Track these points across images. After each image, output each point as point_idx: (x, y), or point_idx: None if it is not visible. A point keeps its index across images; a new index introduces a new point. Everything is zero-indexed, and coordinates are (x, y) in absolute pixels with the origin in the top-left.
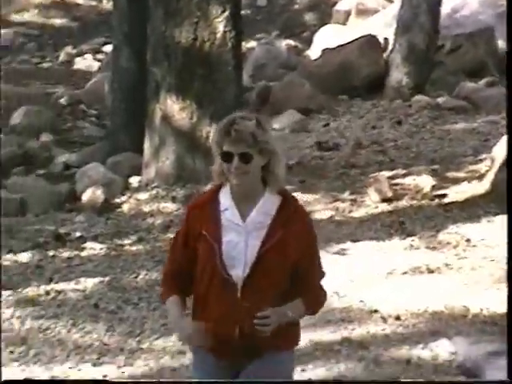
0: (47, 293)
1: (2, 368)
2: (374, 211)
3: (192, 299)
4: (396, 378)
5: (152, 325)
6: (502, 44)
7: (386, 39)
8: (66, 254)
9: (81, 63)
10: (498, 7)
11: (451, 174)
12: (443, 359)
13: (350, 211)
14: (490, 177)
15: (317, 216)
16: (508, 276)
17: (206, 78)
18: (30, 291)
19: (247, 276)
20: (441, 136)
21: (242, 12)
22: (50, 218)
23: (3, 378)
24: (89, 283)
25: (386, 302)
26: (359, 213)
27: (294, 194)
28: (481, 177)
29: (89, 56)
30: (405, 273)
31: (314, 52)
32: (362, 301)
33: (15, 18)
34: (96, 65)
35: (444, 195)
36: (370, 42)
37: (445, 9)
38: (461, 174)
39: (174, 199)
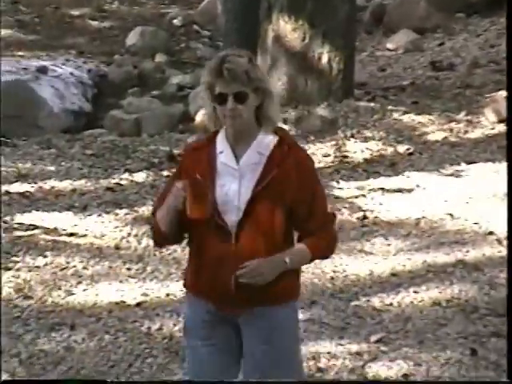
0: None
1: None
2: (491, 132)
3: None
4: None
5: None
6: None
7: None
8: None
9: None
10: None
11: None
12: None
13: (466, 132)
14: None
15: (430, 137)
16: (508, 276)
17: None
18: (146, 210)
19: (240, 220)
20: None
21: None
22: (164, 138)
23: (3, 378)
24: None
25: (501, 224)
26: (475, 134)
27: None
28: None
29: None
30: None
31: None
32: (476, 223)
33: None
34: None
35: None
36: None
37: None
38: None
39: (285, 121)
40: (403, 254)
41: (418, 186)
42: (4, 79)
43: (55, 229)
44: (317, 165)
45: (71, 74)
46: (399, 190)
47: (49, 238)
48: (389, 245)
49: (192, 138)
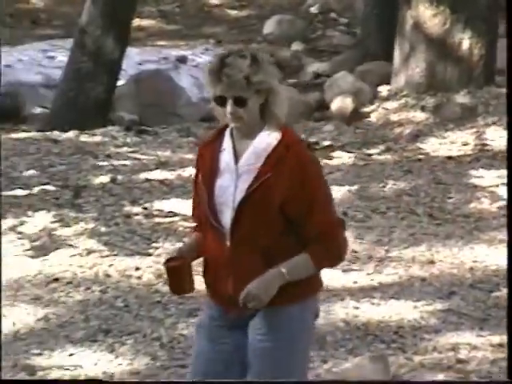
0: None
1: None
2: None
3: None
4: None
5: (400, 234)
6: None
7: None
8: None
9: None
10: None
11: None
12: None
13: None
14: None
15: None
16: (508, 276)
17: None
18: None
19: (233, 222)
20: None
21: None
22: (300, 126)
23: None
24: (337, 191)
25: None
26: None
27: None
28: None
29: None
30: None
31: None
32: None
33: None
34: None
35: None
36: None
37: None
38: None
39: (423, 108)
40: None
41: None
42: (145, 68)
43: None
44: (456, 153)
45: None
46: None
47: (187, 224)
48: None
49: (327, 127)
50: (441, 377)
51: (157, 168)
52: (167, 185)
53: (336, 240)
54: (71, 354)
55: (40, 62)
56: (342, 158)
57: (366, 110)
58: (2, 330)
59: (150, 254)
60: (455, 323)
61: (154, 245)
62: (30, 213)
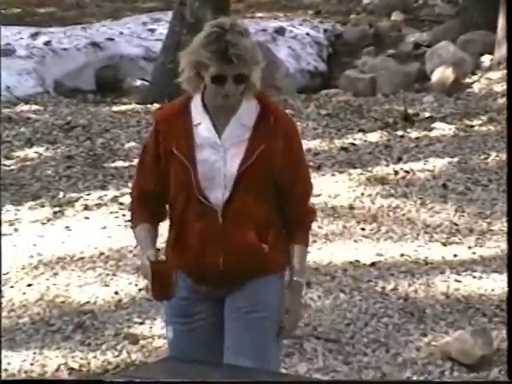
0: (396, 172)
1: None
2: None
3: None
4: None
5: (502, 206)
6: None
7: None
8: (414, 134)
9: None
10: None
11: None
12: None
13: None
14: None
15: None
16: (508, 277)
17: None
18: (380, 170)
19: (228, 199)
20: None
21: None
22: (399, 97)
23: (3, 378)
24: (437, 163)
25: None
26: None
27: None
28: None
29: None
30: None
31: None
32: None
33: None
34: None
35: None
36: None
37: None
38: None
39: None
40: None
41: None
42: None
43: None
44: None
45: (307, 34)
46: None
47: None
48: None
49: (428, 98)
50: None
51: None
52: None
53: (311, 214)
54: None
55: (140, 35)
56: (442, 129)
57: (467, 80)
58: (1, 330)
59: None
60: None
61: None
62: (130, 184)
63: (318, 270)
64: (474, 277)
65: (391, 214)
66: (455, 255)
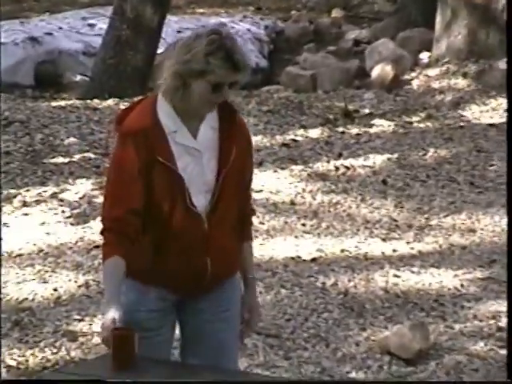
0: (336, 168)
1: None
2: None
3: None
4: None
5: (440, 202)
6: None
7: None
8: (354, 130)
9: None
10: None
11: None
12: None
13: None
14: None
15: None
16: (508, 277)
17: None
18: (320, 166)
19: (211, 203)
20: None
21: None
22: (340, 94)
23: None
24: (377, 159)
25: None
26: None
27: None
28: None
29: None
30: None
31: None
32: None
33: None
34: None
35: None
36: None
37: None
38: None
39: (465, 75)
40: None
41: None
42: (184, 36)
43: None
44: (497, 120)
45: (248, 30)
46: None
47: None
48: None
49: (368, 94)
50: (481, 344)
51: None
52: None
53: (254, 211)
54: None
55: (80, 30)
56: (382, 125)
57: (406, 77)
58: (1, 331)
59: None
60: (496, 291)
61: None
62: (70, 180)
63: (259, 265)
64: (413, 272)
65: (332, 209)
66: (394, 250)
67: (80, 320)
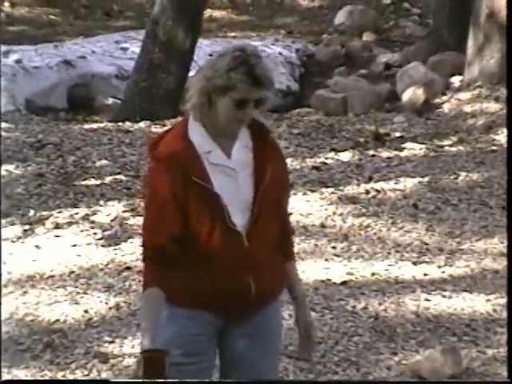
0: (367, 191)
1: None
2: None
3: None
4: None
5: (472, 226)
6: None
7: None
8: (385, 153)
9: None
10: None
11: None
12: None
13: None
14: None
15: None
16: (508, 275)
17: None
18: (351, 189)
19: (251, 221)
20: None
21: None
22: (371, 117)
23: (3, 378)
24: (408, 183)
25: None
26: None
27: None
28: None
29: None
30: None
31: None
32: None
33: None
34: None
35: None
36: None
37: None
38: None
39: (497, 99)
40: None
41: None
42: None
43: None
44: None
45: (280, 53)
46: None
47: None
48: None
49: (398, 118)
50: None
51: None
52: None
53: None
54: None
55: (113, 54)
56: (413, 149)
57: (438, 101)
58: (1, 332)
59: None
60: None
61: None
62: (101, 202)
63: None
64: (444, 296)
65: (362, 232)
66: (425, 274)
67: (111, 342)
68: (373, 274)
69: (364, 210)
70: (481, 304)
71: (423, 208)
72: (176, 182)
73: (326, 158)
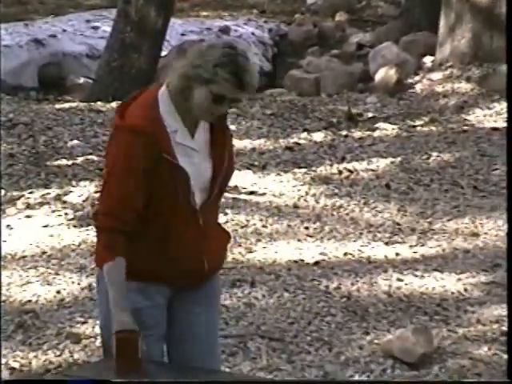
0: (340, 172)
1: None
2: None
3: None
4: None
5: (444, 206)
6: None
7: None
8: (358, 134)
9: None
10: None
11: None
12: None
13: None
14: None
15: None
16: (508, 275)
17: None
18: (324, 170)
19: (206, 201)
20: None
21: None
22: (343, 97)
23: (3, 378)
24: (380, 163)
25: None
26: None
27: None
28: None
29: None
30: None
31: None
32: None
33: None
34: None
35: None
36: None
37: None
38: None
39: (468, 79)
40: None
41: None
42: (188, 39)
43: (235, 187)
44: (501, 124)
45: (252, 33)
46: None
47: (229, 196)
48: None
49: (371, 98)
50: (485, 349)
51: None
52: None
53: None
54: None
55: (84, 33)
56: (385, 129)
57: (410, 81)
58: (5, 334)
59: None
60: (499, 295)
61: None
62: (73, 182)
63: (262, 269)
64: (416, 276)
65: (335, 213)
66: (397, 254)
67: (83, 322)
68: (345, 254)
69: (337, 191)
70: (452, 283)
71: (395, 188)
72: (149, 155)
73: (299, 139)
